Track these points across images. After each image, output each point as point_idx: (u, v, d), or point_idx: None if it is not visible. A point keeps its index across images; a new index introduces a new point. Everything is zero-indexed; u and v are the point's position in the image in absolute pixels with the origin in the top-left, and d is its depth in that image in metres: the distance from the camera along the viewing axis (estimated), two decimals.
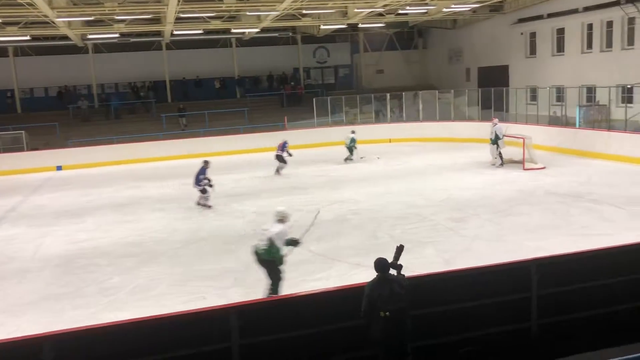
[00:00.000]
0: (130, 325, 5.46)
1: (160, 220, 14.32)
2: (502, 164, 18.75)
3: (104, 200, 17.49)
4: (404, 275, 5.51)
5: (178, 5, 20.57)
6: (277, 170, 19.76)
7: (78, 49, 31.95)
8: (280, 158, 19.71)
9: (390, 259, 5.53)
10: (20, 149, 25.28)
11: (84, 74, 33.08)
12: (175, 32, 28.80)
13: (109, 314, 8.34)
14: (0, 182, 21.85)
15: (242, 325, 5.54)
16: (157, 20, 25.82)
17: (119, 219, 14.79)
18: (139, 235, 13.04)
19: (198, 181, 14.95)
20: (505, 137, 18.82)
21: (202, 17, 25.50)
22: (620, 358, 3.08)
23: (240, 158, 24.87)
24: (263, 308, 5.90)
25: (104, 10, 21.31)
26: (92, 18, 23.48)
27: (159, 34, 30.01)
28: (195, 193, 15.40)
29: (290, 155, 19.84)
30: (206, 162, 15.23)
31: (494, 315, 6.33)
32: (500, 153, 18.86)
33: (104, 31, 25.86)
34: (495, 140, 18.81)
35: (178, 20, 24.65)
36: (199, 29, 28.17)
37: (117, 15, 22.56)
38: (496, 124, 19.03)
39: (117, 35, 26.74)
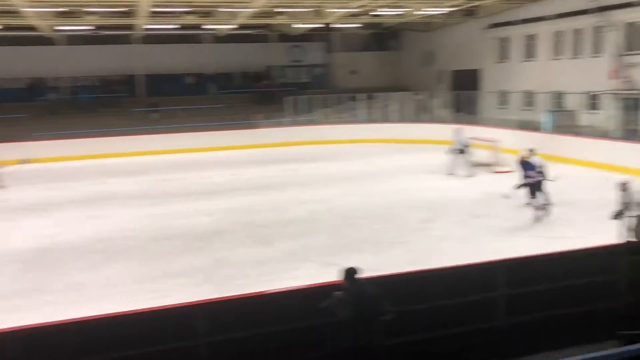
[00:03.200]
0: (96, 321, 5.39)
1: (130, 216, 14.13)
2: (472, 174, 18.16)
3: (72, 195, 17.16)
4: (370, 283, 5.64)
5: None
6: None
7: (49, 41, 31.30)
8: None
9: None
10: None
11: (55, 66, 32.41)
12: (148, 27, 28.42)
13: (76, 310, 8.19)
14: None
15: (210, 323, 5.51)
16: (130, 14, 25.46)
17: (87, 214, 14.54)
18: (107, 230, 12.86)
19: None
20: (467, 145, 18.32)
21: (176, 12, 25.24)
22: (583, 356, 3.17)
23: (213, 155, 24.70)
24: (232, 306, 5.88)
25: (76, 2, 20.94)
26: (63, 9, 23.04)
27: (131, 27, 29.60)
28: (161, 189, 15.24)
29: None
30: None
31: (462, 314, 6.44)
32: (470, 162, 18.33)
33: (75, 23, 25.40)
34: (462, 151, 18.32)
35: (151, 14, 24.36)
36: (173, 24, 27.88)
37: (89, 7, 22.19)
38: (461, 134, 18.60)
39: (89, 27, 26.29)
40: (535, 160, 12.97)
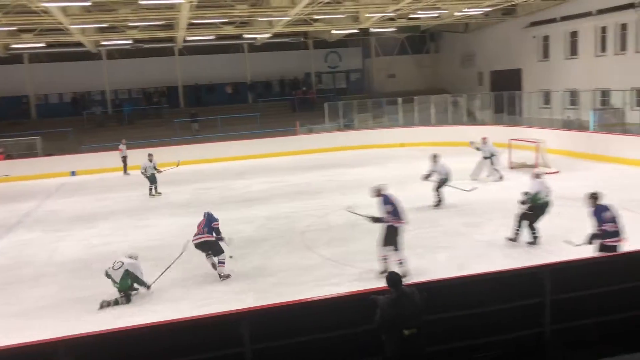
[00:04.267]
0: (145, 329, 5.50)
1: (174, 226, 14.40)
2: (501, 177, 17.81)
3: (118, 205, 17.62)
4: (417, 290, 5.44)
5: (190, 11, 20.74)
6: None
7: (92, 55, 32.29)
8: None
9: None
10: (35, 155, 25.57)
11: (98, 80, 33.45)
12: (187, 38, 29.00)
13: (125, 318, 8.40)
14: (16, 188, 22.11)
15: (253, 330, 5.55)
16: (169, 26, 26.04)
17: (134, 224, 14.91)
18: (153, 240, 13.14)
19: None
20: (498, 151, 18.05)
21: (215, 23, 25.66)
22: None
23: (252, 163, 24.96)
24: (275, 313, 5.91)
25: (117, 17, 21.55)
26: (105, 25, 23.73)
27: (171, 40, 30.24)
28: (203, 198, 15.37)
29: None
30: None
31: (507, 320, 6.31)
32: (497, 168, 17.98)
33: (117, 37, 26.13)
34: (489, 157, 17.94)
35: (190, 26, 24.84)
36: (211, 35, 28.35)
37: (130, 22, 22.80)
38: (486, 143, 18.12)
39: (130, 41, 27.02)
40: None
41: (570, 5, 25.53)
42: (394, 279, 5.41)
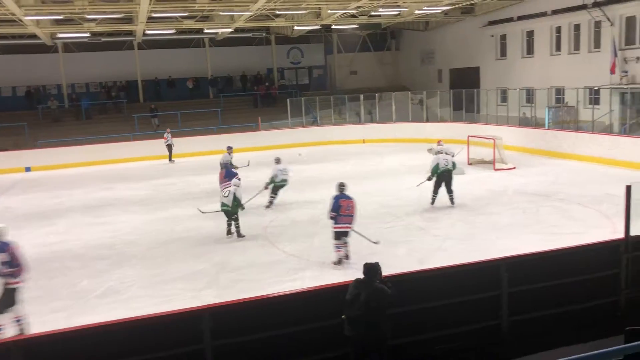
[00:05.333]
0: (101, 328, 5.41)
1: (132, 222, 14.17)
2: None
3: (74, 202, 17.22)
4: (389, 285, 5.65)
5: (150, 4, 20.36)
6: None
7: (47, 48, 31.37)
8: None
9: (365, 260, 5.70)
10: None
11: (54, 74, 32.46)
12: (147, 32, 28.48)
13: (80, 318, 8.21)
14: None
15: (214, 327, 5.53)
16: (128, 20, 25.50)
17: (90, 221, 14.59)
18: (110, 237, 12.88)
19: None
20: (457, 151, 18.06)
21: (175, 17, 25.28)
22: (588, 354, 3.16)
23: (213, 158, 24.69)
24: (236, 309, 5.89)
25: (74, 9, 20.96)
26: (61, 17, 23.09)
27: (130, 33, 29.65)
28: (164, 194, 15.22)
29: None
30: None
31: (467, 313, 6.45)
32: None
33: (74, 30, 25.44)
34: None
35: (150, 19, 24.39)
36: (172, 29, 27.92)
37: (88, 14, 22.22)
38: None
39: (87, 34, 26.34)
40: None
41: (526, 5, 26.13)
42: (368, 267, 5.66)
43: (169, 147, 24.60)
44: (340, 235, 10.04)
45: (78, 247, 12.26)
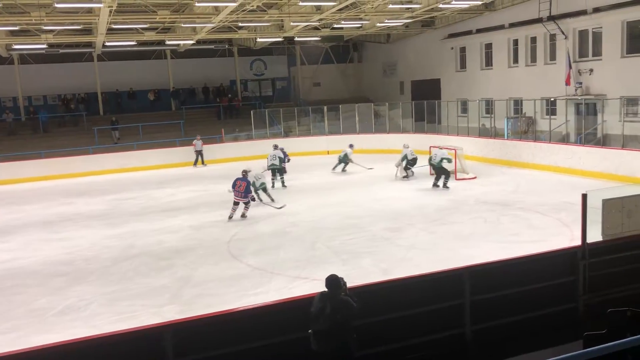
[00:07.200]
0: (60, 347, 5.23)
1: (91, 238, 13.83)
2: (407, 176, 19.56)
3: (31, 217, 16.73)
4: (352, 299, 5.64)
5: (110, 16, 20.06)
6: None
7: (3, 60, 30.58)
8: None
9: (331, 272, 5.67)
10: None
11: (10, 86, 31.61)
12: (107, 43, 28.03)
13: (38, 337, 7.95)
14: None
15: (177, 344, 5.41)
16: (88, 31, 25.08)
17: (48, 237, 14.18)
18: (68, 253, 12.54)
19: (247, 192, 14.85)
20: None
21: (136, 29, 24.97)
22: (551, 359, 3.22)
23: (176, 172, 24.42)
24: (199, 325, 5.79)
25: (31, 20, 20.48)
26: (17, 27, 22.54)
27: (90, 44, 29.15)
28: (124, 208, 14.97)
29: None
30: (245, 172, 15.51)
31: (431, 322, 6.48)
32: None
33: (30, 41, 24.87)
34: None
35: (110, 31, 24.03)
36: (132, 40, 27.57)
37: (45, 26, 21.74)
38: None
39: (45, 45, 25.76)
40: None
41: (485, 18, 26.76)
42: (329, 281, 5.63)
43: (199, 153, 25.52)
44: (234, 204, 14.59)
45: (35, 264, 11.89)
